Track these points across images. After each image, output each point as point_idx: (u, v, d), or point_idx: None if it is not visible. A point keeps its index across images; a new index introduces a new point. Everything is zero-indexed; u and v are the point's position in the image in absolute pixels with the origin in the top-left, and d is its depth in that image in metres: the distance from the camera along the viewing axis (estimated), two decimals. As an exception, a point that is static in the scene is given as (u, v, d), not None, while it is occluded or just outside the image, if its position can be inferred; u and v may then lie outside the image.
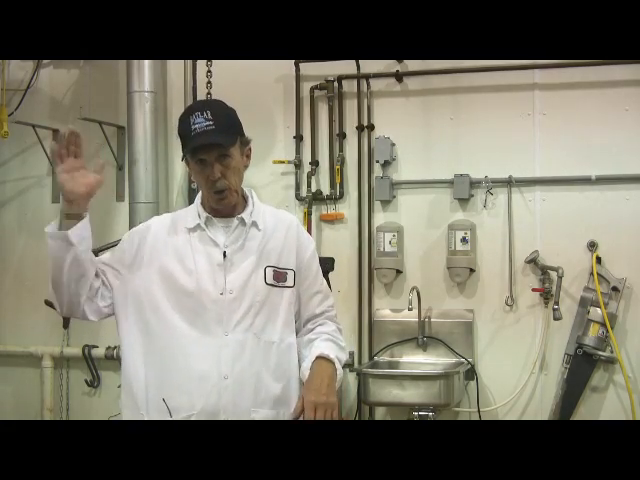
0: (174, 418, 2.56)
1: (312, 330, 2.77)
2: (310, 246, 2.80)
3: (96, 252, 3.79)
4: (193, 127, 2.57)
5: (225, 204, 2.65)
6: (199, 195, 2.75)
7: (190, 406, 2.57)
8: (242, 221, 2.68)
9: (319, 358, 2.64)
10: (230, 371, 2.58)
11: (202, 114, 2.58)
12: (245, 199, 2.73)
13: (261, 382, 2.62)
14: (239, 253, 2.65)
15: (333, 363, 2.65)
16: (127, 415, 2.66)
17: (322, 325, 2.78)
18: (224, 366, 2.58)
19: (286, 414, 2.65)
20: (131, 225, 4.56)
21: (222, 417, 2.57)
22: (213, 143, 2.57)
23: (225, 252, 2.63)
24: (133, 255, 2.67)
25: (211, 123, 2.57)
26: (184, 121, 2.62)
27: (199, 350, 2.59)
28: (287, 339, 2.70)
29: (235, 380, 2.58)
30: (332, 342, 2.73)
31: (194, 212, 2.71)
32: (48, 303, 3.75)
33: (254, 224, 2.69)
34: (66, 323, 3.69)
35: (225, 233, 2.67)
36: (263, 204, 2.78)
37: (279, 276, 2.67)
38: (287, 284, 2.68)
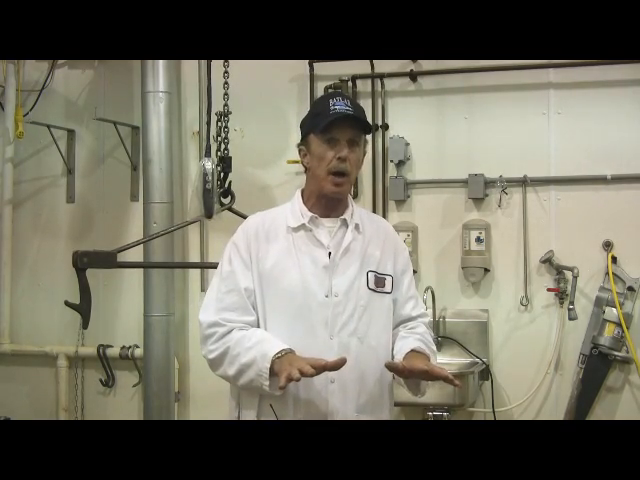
0: None
1: (406, 328, 2.72)
2: (405, 253, 2.78)
3: (116, 253, 3.79)
4: (333, 107, 2.58)
5: (340, 191, 2.61)
6: (298, 194, 2.71)
7: (296, 410, 2.52)
8: (344, 222, 2.65)
9: (413, 351, 2.60)
10: (336, 375, 2.50)
11: (343, 100, 2.62)
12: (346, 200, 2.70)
13: (363, 387, 2.59)
14: (344, 256, 2.61)
15: (428, 357, 2.61)
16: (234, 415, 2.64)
17: (416, 327, 2.73)
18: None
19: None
20: (145, 225, 4.56)
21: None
22: (357, 117, 2.59)
23: (330, 254, 2.60)
24: (250, 267, 2.61)
25: (350, 109, 2.59)
26: (322, 102, 2.66)
27: (303, 353, 2.48)
28: (386, 345, 2.67)
29: (340, 385, 2.54)
30: (423, 343, 2.67)
31: (296, 211, 2.66)
32: (68, 304, 3.75)
33: (356, 227, 2.66)
34: (85, 324, 3.67)
35: (329, 234, 2.63)
36: (358, 207, 2.76)
37: (379, 282, 2.64)
38: (385, 290, 2.66)
